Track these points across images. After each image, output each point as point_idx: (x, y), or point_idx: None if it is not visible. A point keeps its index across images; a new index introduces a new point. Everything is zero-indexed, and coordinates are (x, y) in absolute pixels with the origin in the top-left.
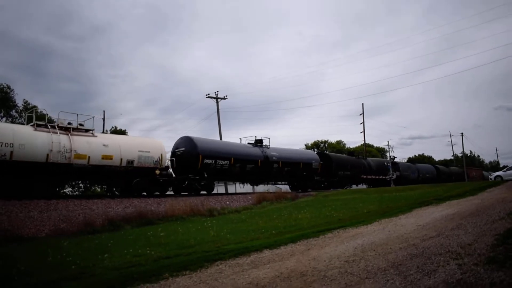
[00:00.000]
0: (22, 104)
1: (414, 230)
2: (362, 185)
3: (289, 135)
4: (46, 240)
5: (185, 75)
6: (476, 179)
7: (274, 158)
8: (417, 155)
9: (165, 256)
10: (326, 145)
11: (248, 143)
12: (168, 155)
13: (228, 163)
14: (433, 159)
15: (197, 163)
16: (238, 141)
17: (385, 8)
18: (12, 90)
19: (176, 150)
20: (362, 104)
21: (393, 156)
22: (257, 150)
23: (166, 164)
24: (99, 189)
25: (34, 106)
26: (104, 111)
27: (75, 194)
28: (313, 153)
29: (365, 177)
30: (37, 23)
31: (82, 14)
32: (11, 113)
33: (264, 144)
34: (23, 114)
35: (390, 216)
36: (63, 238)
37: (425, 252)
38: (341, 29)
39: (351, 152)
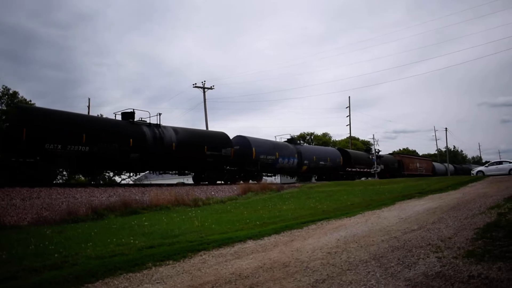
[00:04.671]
0: (1, 90)
1: (396, 223)
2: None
3: (275, 126)
4: (29, 228)
5: (172, 65)
6: (417, 174)
7: None
8: (401, 149)
9: (149, 245)
10: (312, 137)
11: None
12: None
13: None
14: (417, 153)
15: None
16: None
17: (373, 1)
18: None
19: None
20: (349, 97)
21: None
22: None
23: None
24: (82, 178)
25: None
26: (89, 99)
27: (58, 182)
28: None
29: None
30: (21, 9)
31: (68, 0)
32: None
33: None
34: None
35: (373, 209)
36: (46, 226)
37: (406, 245)
38: (327, 22)
39: (128, 112)
